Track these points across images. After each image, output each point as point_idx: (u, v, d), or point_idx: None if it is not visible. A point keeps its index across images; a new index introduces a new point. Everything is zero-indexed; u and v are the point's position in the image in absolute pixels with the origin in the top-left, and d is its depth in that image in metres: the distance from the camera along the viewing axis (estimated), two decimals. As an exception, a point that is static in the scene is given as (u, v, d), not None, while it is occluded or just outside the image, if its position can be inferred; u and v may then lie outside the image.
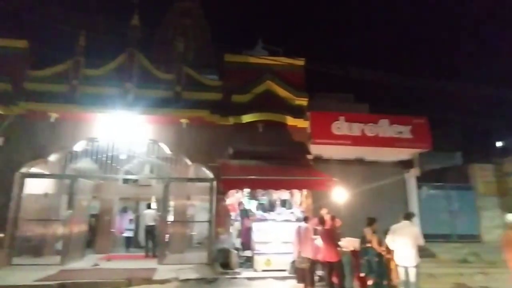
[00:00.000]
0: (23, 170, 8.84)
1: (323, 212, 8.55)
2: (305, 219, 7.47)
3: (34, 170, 9.17)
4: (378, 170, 9.94)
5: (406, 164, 10.37)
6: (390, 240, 5.62)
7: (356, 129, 9.58)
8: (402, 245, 5.44)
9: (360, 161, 9.94)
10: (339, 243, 7.22)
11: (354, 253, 6.86)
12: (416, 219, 10.07)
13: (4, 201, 8.45)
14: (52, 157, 9.19)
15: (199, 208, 11.02)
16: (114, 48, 9.62)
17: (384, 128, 9.68)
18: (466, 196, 11.19)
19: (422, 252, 9.51)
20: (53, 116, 8.93)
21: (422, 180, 10.51)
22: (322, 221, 7.23)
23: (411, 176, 10.35)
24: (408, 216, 5.78)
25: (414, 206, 10.15)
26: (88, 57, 9.49)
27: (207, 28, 13.62)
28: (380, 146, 9.60)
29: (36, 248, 9.10)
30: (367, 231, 6.38)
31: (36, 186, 9.21)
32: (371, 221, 6.40)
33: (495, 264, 8.96)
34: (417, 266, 5.41)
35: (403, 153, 10.09)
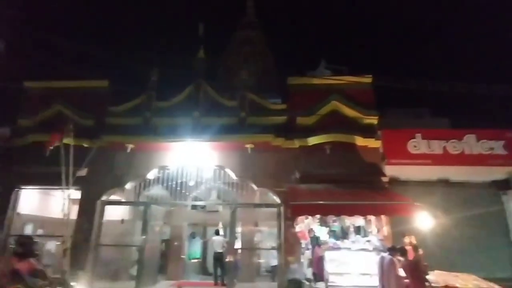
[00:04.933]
0: (104, 198, 9.50)
1: (407, 240, 7.68)
2: (391, 250, 6.65)
3: (112, 197, 9.82)
4: (468, 192, 8.73)
5: (502, 185, 8.97)
6: None
7: (436, 146, 8.65)
8: None
9: (444, 182, 8.86)
10: (427, 277, 6.36)
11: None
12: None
13: (87, 227, 9.09)
14: (128, 185, 9.76)
15: (266, 235, 10.73)
16: (182, 79, 10.18)
17: (471, 144, 8.59)
18: None
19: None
20: (129, 147, 9.55)
21: (525, 202, 8.97)
22: (404, 252, 6.45)
23: (511, 198, 8.90)
24: None
25: (517, 234, 8.64)
26: (160, 91, 10.16)
27: (268, 53, 13.91)
28: (468, 165, 8.49)
29: (113, 273, 9.56)
30: None
31: (113, 213, 9.82)
32: None
33: None
34: None
35: (497, 172, 8.77)
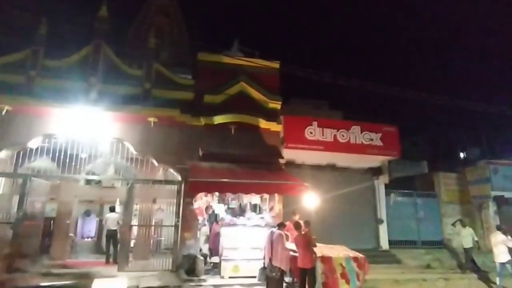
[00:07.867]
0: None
1: (296, 217, 8.41)
2: (280, 226, 7.18)
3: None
4: (349, 176, 10.00)
5: (376, 171, 10.53)
6: None
7: (328, 134, 9.60)
8: None
9: (332, 167, 9.94)
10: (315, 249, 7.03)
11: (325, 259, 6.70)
12: (384, 226, 10.29)
13: None
14: (3, 154, 8.39)
15: (167, 212, 10.52)
16: (80, 39, 9.01)
17: (356, 134, 9.78)
18: (431, 204, 11.56)
19: (390, 258, 9.75)
20: (5, 108, 8.16)
21: (390, 187, 10.73)
22: (298, 227, 6.98)
23: (380, 183, 10.53)
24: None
25: (382, 213, 10.31)
26: (50, 47, 8.80)
27: (183, 27, 13.25)
28: (351, 153, 9.67)
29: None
30: None
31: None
32: None
33: (456, 270, 9.26)
34: None
35: (373, 160, 10.23)
